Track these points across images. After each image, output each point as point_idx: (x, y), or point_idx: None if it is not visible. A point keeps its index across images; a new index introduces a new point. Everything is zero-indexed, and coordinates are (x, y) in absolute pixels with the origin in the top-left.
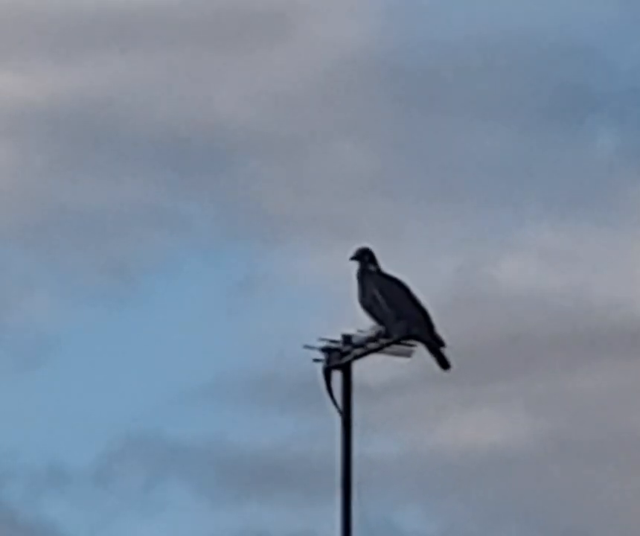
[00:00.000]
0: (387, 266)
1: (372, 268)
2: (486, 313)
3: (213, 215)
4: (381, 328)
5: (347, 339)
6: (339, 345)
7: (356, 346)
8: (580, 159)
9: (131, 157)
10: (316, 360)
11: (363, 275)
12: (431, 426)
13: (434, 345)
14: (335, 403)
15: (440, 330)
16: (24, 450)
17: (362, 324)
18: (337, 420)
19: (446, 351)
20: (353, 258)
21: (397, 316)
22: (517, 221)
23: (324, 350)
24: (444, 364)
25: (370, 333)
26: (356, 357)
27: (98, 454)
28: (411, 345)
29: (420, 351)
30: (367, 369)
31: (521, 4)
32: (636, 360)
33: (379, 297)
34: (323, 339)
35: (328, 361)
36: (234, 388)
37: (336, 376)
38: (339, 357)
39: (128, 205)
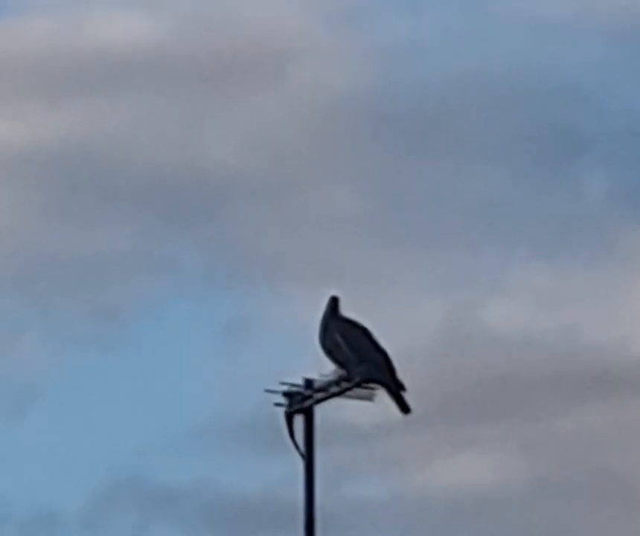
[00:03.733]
0: (376, 310)
1: (336, 314)
2: (475, 356)
3: (200, 259)
4: (343, 372)
5: (308, 383)
6: (301, 389)
7: (317, 390)
8: (569, 201)
9: (119, 202)
10: (278, 405)
11: (326, 321)
12: (420, 469)
13: (395, 389)
14: (297, 446)
15: (430, 372)
16: (13, 496)
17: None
18: (326, 464)
19: (408, 395)
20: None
21: (359, 359)
22: (506, 263)
23: (286, 394)
24: (405, 408)
25: (332, 377)
26: (318, 401)
27: (87, 499)
28: (373, 389)
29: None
30: (355, 412)
31: (508, 45)
32: (627, 401)
33: (340, 341)
34: (285, 383)
35: (290, 405)
36: (222, 432)
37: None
38: (301, 401)
39: (116, 250)
